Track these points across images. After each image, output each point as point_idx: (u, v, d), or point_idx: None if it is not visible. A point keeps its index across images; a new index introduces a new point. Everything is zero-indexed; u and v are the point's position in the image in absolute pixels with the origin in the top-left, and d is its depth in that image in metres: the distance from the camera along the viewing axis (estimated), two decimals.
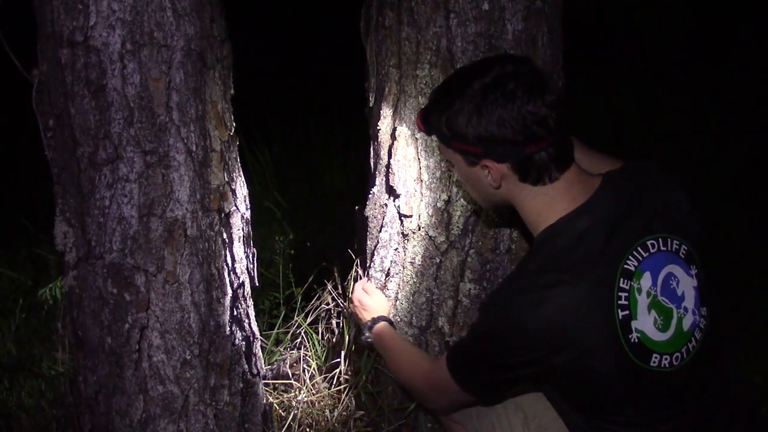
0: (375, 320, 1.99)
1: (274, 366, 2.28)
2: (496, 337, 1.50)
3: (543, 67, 2.08)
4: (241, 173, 1.89)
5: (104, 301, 1.76)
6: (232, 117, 1.85)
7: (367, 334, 1.99)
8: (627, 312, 1.45)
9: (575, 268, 1.45)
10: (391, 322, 2.00)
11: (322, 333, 2.55)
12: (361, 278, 2.32)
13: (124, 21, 1.63)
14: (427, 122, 1.59)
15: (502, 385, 1.58)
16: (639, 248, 1.50)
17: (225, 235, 1.85)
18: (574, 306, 1.42)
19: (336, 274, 2.71)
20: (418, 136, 2.12)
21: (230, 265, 1.87)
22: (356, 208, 2.42)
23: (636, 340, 1.45)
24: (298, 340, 2.57)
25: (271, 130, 4.12)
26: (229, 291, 1.87)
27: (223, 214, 1.83)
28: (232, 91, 1.84)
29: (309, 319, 2.62)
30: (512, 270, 1.93)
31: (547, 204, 1.52)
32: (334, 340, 2.51)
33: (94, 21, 1.61)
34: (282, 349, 2.59)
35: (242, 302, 1.92)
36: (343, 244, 2.57)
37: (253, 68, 3.77)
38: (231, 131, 1.84)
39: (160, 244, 1.74)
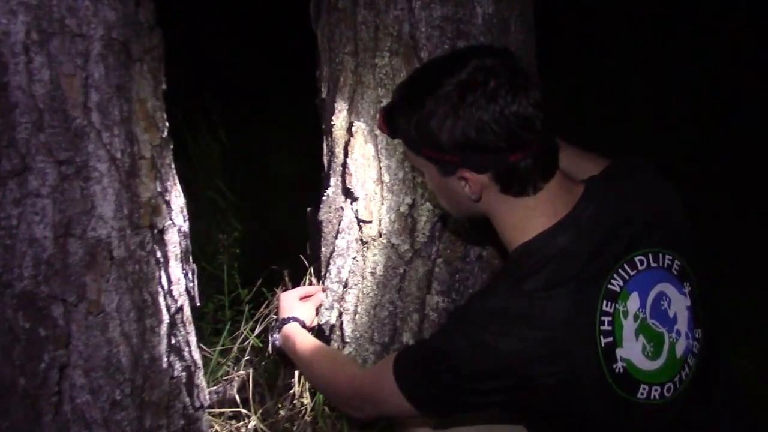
0: (284, 320, 1.82)
1: (220, 389, 2.04)
2: (462, 357, 1.32)
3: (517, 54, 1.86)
4: (177, 181, 1.63)
5: (15, 336, 1.50)
6: (165, 116, 1.59)
7: (275, 336, 1.83)
8: (611, 339, 1.30)
9: (553, 290, 1.29)
10: (303, 324, 1.83)
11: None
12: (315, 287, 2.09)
13: (27, 5, 1.35)
14: (392, 124, 1.39)
15: (461, 406, 1.40)
16: (625, 265, 1.34)
17: (159, 254, 1.60)
18: (551, 332, 1.27)
19: (287, 279, 2.48)
20: (377, 132, 1.89)
21: (166, 287, 1.62)
22: (309, 209, 2.19)
23: (621, 371, 1.31)
24: (245, 357, 2.32)
25: (213, 114, 3.82)
26: (166, 317, 1.63)
27: (156, 231, 1.57)
28: (164, 86, 1.58)
29: (257, 329, 2.38)
30: (483, 286, 1.73)
31: (526, 218, 1.36)
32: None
33: None
34: (228, 363, 2.35)
35: (181, 328, 1.67)
36: (294, 240, 2.37)
37: (191, 47, 3.48)
38: (163, 133, 1.58)
39: (80, 269, 1.48)
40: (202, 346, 2.24)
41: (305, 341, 1.74)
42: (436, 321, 1.93)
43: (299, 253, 2.65)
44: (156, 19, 1.56)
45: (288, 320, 1.81)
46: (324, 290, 1.98)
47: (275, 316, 2.37)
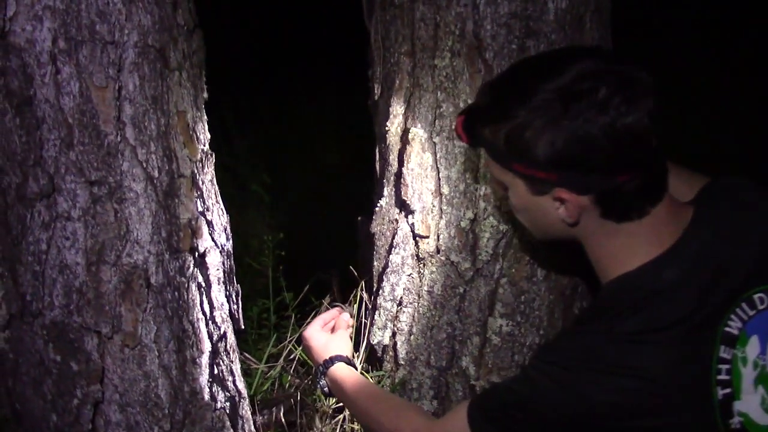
0: (327, 363, 1.59)
1: (266, 413, 1.91)
2: (548, 404, 1.16)
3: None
4: (219, 198, 1.49)
5: (46, 369, 1.38)
6: (206, 127, 1.44)
7: (322, 382, 1.61)
8: (729, 390, 1.13)
9: (661, 332, 1.12)
10: (350, 363, 1.60)
11: None
12: (368, 306, 1.95)
13: (54, 10, 1.22)
14: (473, 132, 1.20)
15: None
16: (743, 305, 1.16)
17: (201, 279, 1.46)
18: (659, 380, 1.10)
19: (335, 288, 2.35)
20: (436, 140, 1.73)
21: (208, 314, 1.49)
22: (359, 218, 2.04)
23: (738, 426, 1.14)
24: (291, 368, 2.19)
25: (257, 103, 3.68)
26: (208, 347, 1.49)
27: (197, 254, 1.44)
28: (206, 95, 1.43)
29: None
30: (575, 321, 1.50)
31: (628, 246, 1.17)
32: None
33: (13, 11, 1.19)
34: (273, 376, 2.22)
35: (224, 357, 1.54)
36: (340, 240, 2.28)
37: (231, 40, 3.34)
38: (205, 145, 1.44)
39: (114, 297, 1.36)
40: (246, 354, 2.12)
41: (358, 385, 1.55)
42: (498, 345, 1.77)
43: (344, 256, 2.50)
44: (196, 19, 1.41)
45: (331, 362, 1.59)
46: (342, 310, 1.82)
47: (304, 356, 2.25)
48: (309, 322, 1.69)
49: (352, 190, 2.07)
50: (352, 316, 1.81)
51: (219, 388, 1.55)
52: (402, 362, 1.85)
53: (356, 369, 1.60)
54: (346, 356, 1.60)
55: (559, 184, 1.11)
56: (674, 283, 1.14)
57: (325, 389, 1.60)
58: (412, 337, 1.84)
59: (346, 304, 1.98)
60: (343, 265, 2.46)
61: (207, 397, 1.52)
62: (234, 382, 1.60)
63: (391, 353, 1.88)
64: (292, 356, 2.24)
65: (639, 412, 1.10)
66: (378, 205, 1.90)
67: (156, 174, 1.35)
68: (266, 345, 2.31)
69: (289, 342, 2.29)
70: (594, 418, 1.13)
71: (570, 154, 1.07)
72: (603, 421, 1.12)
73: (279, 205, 3.35)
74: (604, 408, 1.11)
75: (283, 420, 1.94)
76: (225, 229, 1.52)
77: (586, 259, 1.27)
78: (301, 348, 2.18)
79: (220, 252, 1.51)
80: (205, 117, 1.44)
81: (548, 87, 1.07)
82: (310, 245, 2.71)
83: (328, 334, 1.66)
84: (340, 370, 1.56)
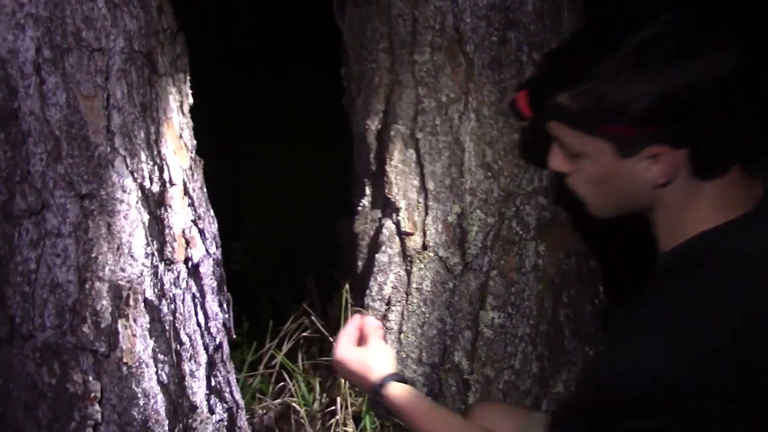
0: (379, 385, 1.34)
1: (256, 422, 1.87)
2: (633, 375, 1.04)
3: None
4: (209, 205, 1.45)
5: (40, 393, 1.32)
6: (192, 133, 1.40)
7: (380, 411, 1.36)
8: None
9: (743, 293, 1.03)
10: (402, 378, 1.37)
11: (304, 366, 2.14)
12: (353, 307, 1.92)
13: (37, 17, 1.16)
14: (542, 103, 1.09)
15: None
16: None
17: (195, 290, 1.42)
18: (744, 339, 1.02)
19: (312, 288, 2.32)
20: (419, 135, 1.72)
21: (204, 325, 1.45)
22: (339, 220, 2.02)
23: None
24: (274, 376, 2.15)
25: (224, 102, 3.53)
26: (204, 359, 1.46)
27: (191, 264, 1.39)
28: (191, 100, 1.39)
29: (285, 347, 2.21)
30: (647, 293, 1.16)
31: (708, 207, 1.08)
32: (318, 374, 2.11)
33: None
34: (255, 385, 2.18)
35: (221, 368, 1.51)
36: (314, 243, 2.25)
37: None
38: (192, 152, 1.40)
39: (110, 314, 1.30)
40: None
41: (424, 409, 1.32)
42: (491, 338, 1.77)
43: (320, 259, 2.47)
44: (177, 22, 1.37)
45: (381, 385, 1.33)
46: (362, 315, 1.57)
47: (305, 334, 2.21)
48: (336, 342, 1.41)
49: (325, 191, 2.04)
50: (376, 318, 1.59)
51: (217, 400, 1.51)
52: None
53: (407, 382, 1.36)
54: (396, 372, 1.36)
55: (656, 139, 1.03)
56: (748, 255, 1.06)
57: (384, 414, 1.36)
58: (402, 335, 1.83)
59: (357, 308, 1.94)
60: (320, 268, 2.44)
61: (206, 410, 1.48)
62: (231, 392, 1.56)
63: None
64: (273, 363, 2.20)
65: (726, 373, 1.02)
66: (360, 204, 1.88)
67: (147, 184, 1.31)
68: (241, 353, 2.27)
69: (268, 349, 2.25)
70: (682, 382, 1.03)
71: (668, 105, 1.00)
72: (690, 387, 1.03)
73: (249, 207, 3.25)
74: (700, 368, 1.01)
75: (275, 429, 1.90)
76: (215, 236, 1.48)
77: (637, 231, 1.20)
78: (282, 354, 2.15)
79: (213, 261, 1.47)
80: (191, 123, 1.40)
81: (633, 40, 1.01)
82: (283, 249, 2.66)
83: (362, 349, 1.39)
84: (395, 391, 1.32)
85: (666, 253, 1.12)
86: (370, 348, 1.38)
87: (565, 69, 1.06)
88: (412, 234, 1.78)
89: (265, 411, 1.93)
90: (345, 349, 1.38)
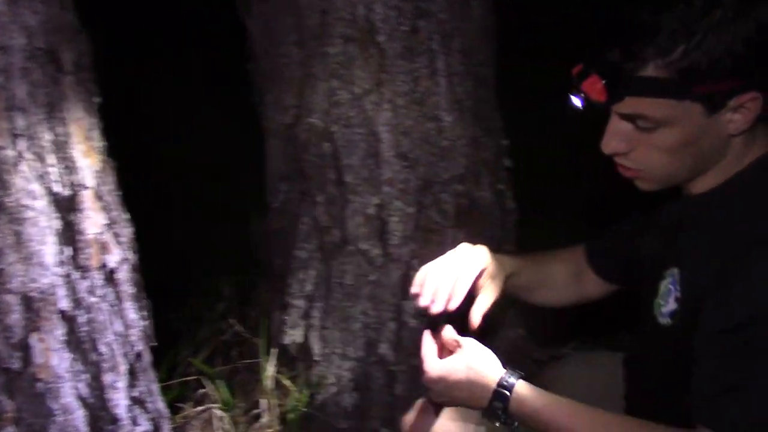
0: (505, 386, 1.16)
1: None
2: None
3: (476, 37, 1.72)
4: (122, 208, 1.38)
5: None
6: (101, 134, 1.34)
7: (500, 413, 1.17)
8: None
9: None
10: (525, 376, 1.19)
11: (224, 371, 2.09)
12: (269, 304, 1.89)
13: None
14: (623, 83, 1.08)
15: None
16: None
17: (112, 297, 1.35)
18: None
19: (229, 290, 2.27)
20: (334, 128, 1.71)
21: (123, 333, 1.38)
22: (253, 219, 1.98)
23: None
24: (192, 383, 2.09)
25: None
26: (125, 368, 1.39)
27: (106, 271, 1.33)
28: (99, 98, 1.33)
29: (202, 353, 2.16)
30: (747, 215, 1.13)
31: (763, 148, 1.14)
32: (239, 378, 2.07)
33: None
34: (176, 393, 2.11)
35: (141, 377, 1.44)
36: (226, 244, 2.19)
37: None
38: (103, 153, 1.33)
39: (22, 328, 1.23)
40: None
41: (568, 408, 1.15)
42: (415, 327, 1.77)
43: (233, 260, 2.42)
44: (79, 19, 1.30)
45: (507, 386, 1.16)
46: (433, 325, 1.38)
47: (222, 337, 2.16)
48: (424, 361, 1.24)
49: (235, 189, 1.99)
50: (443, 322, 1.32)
51: (140, 411, 1.45)
52: (318, 358, 1.82)
53: (528, 378, 1.19)
54: (513, 369, 1.19)
55: (742, 89, 1.05)
56: None
57: (506, 420, 1.18)
58: (326, 331, 1.81)
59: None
60: (235, 269, 2.39)
61: (129, 422, 1.41)
62: (154, 402, 1.50)
63: (305, 351, 1.84)
64: (190, 369, 2.14)
65: None
66: (276, 201, 1.85)
67: (57, 188, 1.23)
68: (158, 361, 2.20)
69: (185, 357, 2.19)
70: None
71: (753, 52, 1.02)
72: None
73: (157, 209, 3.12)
74: None
75: None
76: (131, 241, 1.41)
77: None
78: (199, 359, 2.09)
79: (129, 266, 1.41)
80: (100, 123, 1.33)
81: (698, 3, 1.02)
82: (196, 250, 2.58)
83: (460, 355, 1.23)
84: (525, 391, 1.16)
85: (725, 183, 1.13)
86: (468, 351, 1.22)
87: (649, 42, 1.04)
88: (330, 228, 1.76)
89: (185, 420, 1.86)
90: (438, 363, 1.23)
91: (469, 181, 1.75)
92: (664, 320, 1.18)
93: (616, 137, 1.13)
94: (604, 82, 1.09)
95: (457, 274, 1.28)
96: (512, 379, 1.16)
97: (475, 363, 1.20)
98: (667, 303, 1.18)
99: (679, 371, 1.09)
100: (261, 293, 2.00)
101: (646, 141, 1.11)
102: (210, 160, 3.04)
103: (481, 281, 1.34)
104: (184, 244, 2.82)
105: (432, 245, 1.76)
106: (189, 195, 3.04)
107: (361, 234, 1.74)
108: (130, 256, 1.42)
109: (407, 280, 1.75)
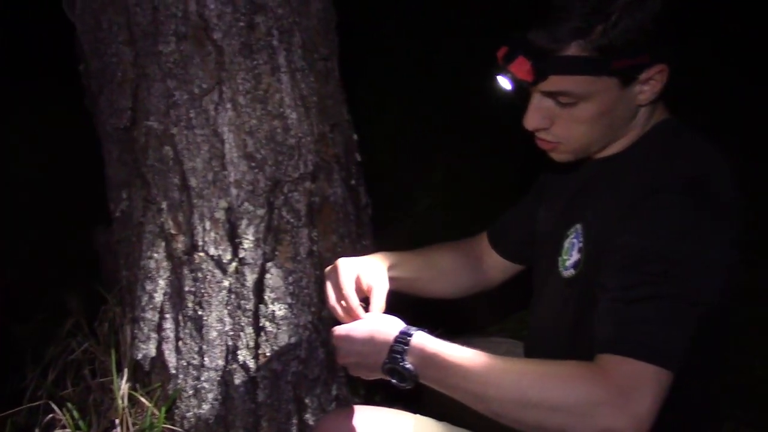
0: (407, 332, 1.16)
1: None
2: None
3: (318, 31, 1.69)
4: None
5: None
6: None
7: (407, 366, 1.14)
8: None
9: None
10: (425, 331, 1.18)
11: (75, 392, 1.97)
12: (119, 318, 1.79)
13: None
14: (547, 63, 1.15)
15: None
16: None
17: None
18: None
19: (75, 306, 2.15)
20: (174, 131, 1.64)
21: None
22: (95, 229, 1.87)
23: None
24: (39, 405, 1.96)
25: None
26: None
27: None
28: None
29: (51, 375, 2.04)
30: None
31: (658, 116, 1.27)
32: (92, 398, 1.96)
33: None
34: (23, 420, 1.98)
35: None
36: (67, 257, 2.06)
37: None
38: None
39: None
40: None
41: (469, 356, 1.10)
42: (274, 332, 1.72)
43: (77, 273, 2.30)
44: None
45: (408, 333, 1.16)
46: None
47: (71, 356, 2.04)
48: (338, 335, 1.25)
49: (76, 198, 1.87)
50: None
51: None
52: (174, 371, 1.75)
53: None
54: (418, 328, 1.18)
55: (655, 61, 1.15)
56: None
57: (408, 373, 1.14)
58: (180, 342, 1.74)
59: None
60: (80, 283, 2.26)
61: None
62: None
63: (159, 365, 1.76)
64: (39, 393, 2.01)
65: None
66: (118, 210, 1.75)
67: None
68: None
69: (32, 380, 2.06)
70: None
71: (660, 27, 1.12)
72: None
73: None
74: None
75: None
76: None
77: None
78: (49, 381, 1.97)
79: None
80: None
81: None
82: (37, 265, 2.42)
83: (366, 317, 1.27)
84: (424, 340, 1.14)
85: (630, 146, 1.25)
86: (373, 315, 1.27)
87: (570, 23, 1.13)
88: (177, 235, 1.69)
89: None
90: (345, 325, 1.26)
91: (319, 178, 1.71)
92: (568, 272, 1.26)
93: (539, 114, 1.21)
94: (531, 63, 1.15)
95: (344, 292, 1.31)
96: (413, 330, 1.16)
97: (379, 322, 1.22)
98: (571, 256, 1.26)
99: (584, 321, 1.15)
100: (110, 307, 1.88)
101: (566, 115, 1.19)
102: (56, 168, 2.87)
103: (365, 283, 1.35)
104: (28, 255, 2.66)
105: (285, 246, 1.71)
106: (32, 204, 2.86)
107: (210, 239, 1.67)
108: None
109: (262, 283, 1.71)
